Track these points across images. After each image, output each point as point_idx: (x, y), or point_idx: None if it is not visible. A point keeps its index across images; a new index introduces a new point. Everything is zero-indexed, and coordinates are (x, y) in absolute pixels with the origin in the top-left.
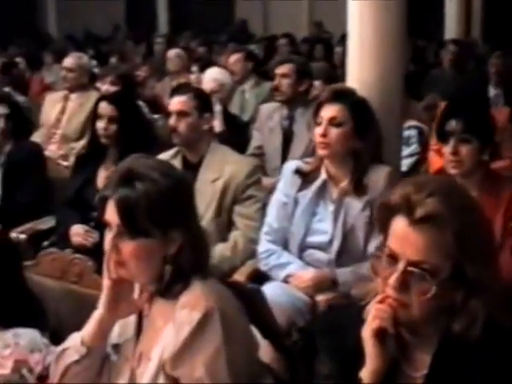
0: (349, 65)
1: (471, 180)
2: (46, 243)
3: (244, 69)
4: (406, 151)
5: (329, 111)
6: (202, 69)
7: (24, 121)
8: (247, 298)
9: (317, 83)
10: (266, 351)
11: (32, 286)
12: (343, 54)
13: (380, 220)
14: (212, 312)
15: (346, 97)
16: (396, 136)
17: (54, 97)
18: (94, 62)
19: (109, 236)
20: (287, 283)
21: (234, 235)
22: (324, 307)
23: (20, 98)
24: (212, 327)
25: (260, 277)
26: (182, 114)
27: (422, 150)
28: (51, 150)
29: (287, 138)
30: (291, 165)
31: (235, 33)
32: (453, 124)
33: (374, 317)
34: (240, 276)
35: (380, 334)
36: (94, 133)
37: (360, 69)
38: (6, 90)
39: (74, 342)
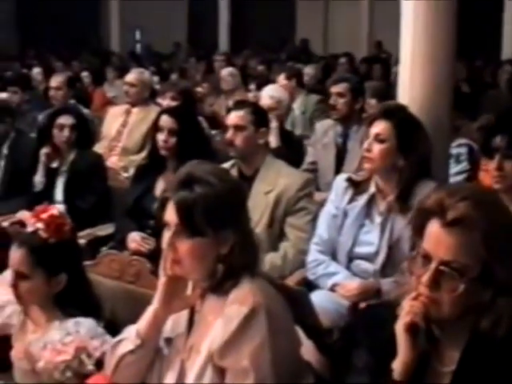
0: (400, 83)
1: None
2: (104, 249)
3: (288, 87)
4: (455, 168)
5: (375, 128)
6: (259, 87)
7: (88, 132)
8: (293, 299)
9: (372, 101)
10: (308, 350)
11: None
12: None
13: (416, 223)
14: (259, 308)
15: (393, 114)
16: (444, 153)
17: (116, 110)
18: (156, 78)
19: (167, 235)
20: (334, 292)
21: (285, 245)
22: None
23: (83, 111)
24: (258, 321)
25: (307, 285)
26: (238, 127)
27: (472, 168)
28: (112, 162)
29: (341, 154)
30: (342, 177)
31: (295, 52)
32: (498, 140)
33: (406, 312)
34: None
35: (412, 329)
36: (155, 145)
37: (411, 87)
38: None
39: (130, 334)
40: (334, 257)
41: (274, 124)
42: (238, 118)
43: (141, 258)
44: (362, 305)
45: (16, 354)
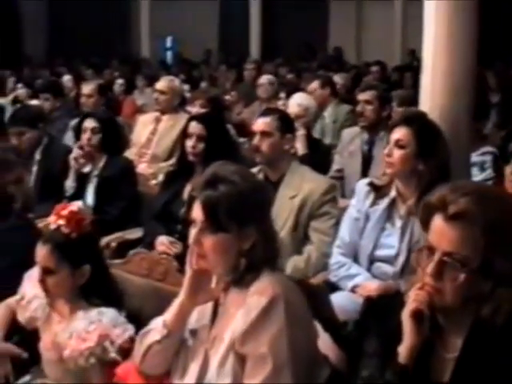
0: (422, 91)
1: None
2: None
3: (321, 96)
4: (480, 176)
5: (396, 134)
6: (289, 95)
7: (115, 137)
8: (311, 294)
9: (399, 110)
10: (325, 343)
11: (121, 281)
12: None
13: (422, 218)
14: (277, 299)
15: (413, 121)
16: (464, 159)
17: (146, 118)
18: (186, 86)
19: (193, 231)
20: (354, 293)
21: (309, 249)
22: None
23: None
24: (276, 312)
25: (330, 287)
26: (264, 134)
27: (496, 176)
28: (141, 169)
29: (367, 161)
30: (364, 181)
31: (326, 60)
32: None
33: (412, 300)
34: None
35: (417, 315)
36: (183, 151)
37: (432, 95)
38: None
39: (157, 325)
40: (355, 259)
41: (301, 131)
42: (264, 125)
43: (168, 256)
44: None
45: (44, 345)
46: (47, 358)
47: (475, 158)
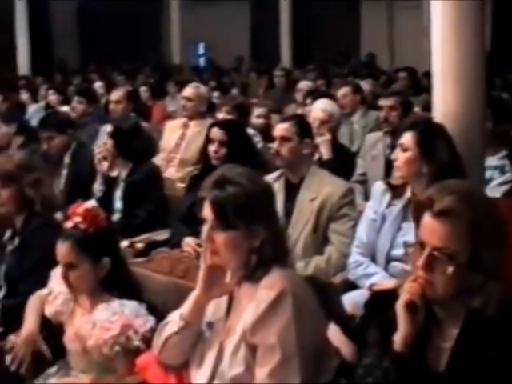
0: (434, 97)
1: None
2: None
3: (352, 102)
4: (500, 179)
5: (401, 139)
6: (315, 100)
7: (126, 142)
8: (321, 290)
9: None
10: (336, 336)
11: (144, 279)
12: None
13: (414, 216)
14: (285, 293)
15: (417, 125)
16: (478, 163)
17: (174, 124)
18: (216, 93)
19: (205, 229)
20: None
21: (329, 250)
22: None
23: (143, 124)
24: (284, 304)
25: (349, 286)
26: (283, 139)
27: None
28: (170, 173)
29: (389, 165)
30: (380, 183)
31: (357, 66)
32: None
33: (406, 292)
34: None
35: (410, 306)
36: (207, 155)
37: (443, 101)
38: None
39: (174, 317)
40: (373, 259)
41: (326, 137)
42: (283, 130)
43: (189, 255)
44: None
45: (68, 337)
46: (71, 349)
47: (496, 161)
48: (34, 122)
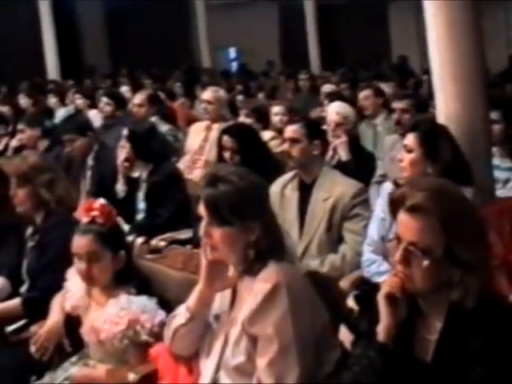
0: (436, 99)
1: None
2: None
3: (375, 104)
4: None
5: (405, 140)
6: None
7: (143, 145)
8: (322, 284)
9: None
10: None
11: (158, 274)
12: None
13: (392, 212)
14: (280, 285)
15: (419, 126)
16: (484, 163)
17: (198, 126)
18: (240, 97)
19: (202, 225)
20: None
21: (343, 248)
22: None
23: (164, 127)
24: (280, 296)
25: (365, 283)
26: (293, 140)
27: None
28: (196, 175)
29: None
30: (389, 184)
31: (385, 69)
32: None
33: (385, 285)
34: (345, 282)
35: (389, 298)
36: (222, 159)
37: (444, 103)
38: (153, 119)
39: (181, 310)
40: (385, 256)
41: (342, 138)
42: (292, 132)
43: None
44: None
45: (84, 329)
46: (88, 340)
47: (510, 163)
48: None
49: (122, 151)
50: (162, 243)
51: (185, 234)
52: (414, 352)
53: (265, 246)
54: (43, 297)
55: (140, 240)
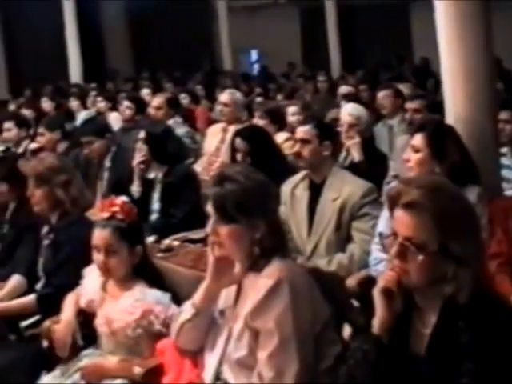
0: (445, 101)
1: None
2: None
3: (393, 105)
4: None
5: (412, 140)
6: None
7: (160, 146)
8: (325, 281)
9: None
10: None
11: (169, 272)
12: None
13: (389, 209)
14: (282, 281)
15: (426, 127)
16: (492, 163)
17: (215, 128)
18: (259, 99)
19: (209, 222)
20: None
21: (352, 247)
22: None
23: (182, 129)
24: (281, 292)
25: (373, 282)
26: (304, 141)
27: None
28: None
29: None
30: (395, 184)
31: (406, 70)
32: None
33: (382, 279)
34: (352, 281)
35: (385, 292)
36: (235, 160)
37: (454, 105)
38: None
39: (187, 306)
40: None
41: (356, 139)
42: (303, 133)
43: None
44: None
45: (98, 321)
46: (101, 332)
47: None
48: None
49: (139, 153)
50: (176, 243)
51: (198, 234)
52: (409, 346)
53: (269, 243)
54: (57, 294)
55: (151, 239)
